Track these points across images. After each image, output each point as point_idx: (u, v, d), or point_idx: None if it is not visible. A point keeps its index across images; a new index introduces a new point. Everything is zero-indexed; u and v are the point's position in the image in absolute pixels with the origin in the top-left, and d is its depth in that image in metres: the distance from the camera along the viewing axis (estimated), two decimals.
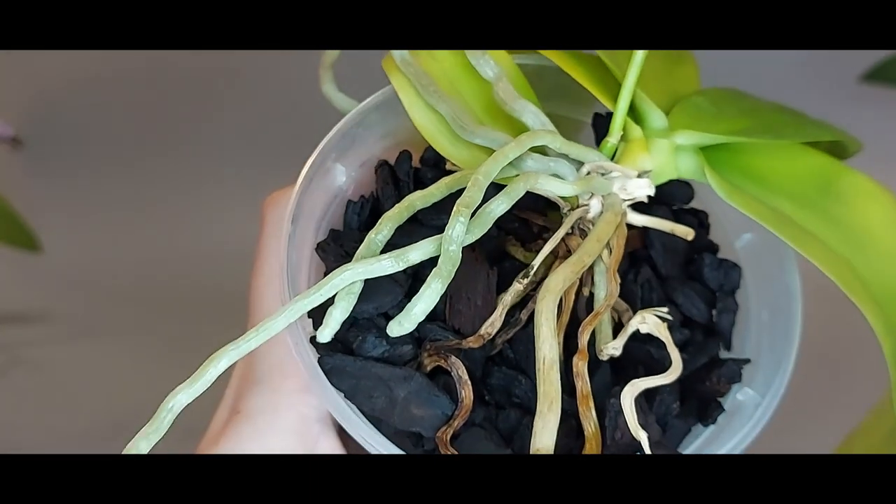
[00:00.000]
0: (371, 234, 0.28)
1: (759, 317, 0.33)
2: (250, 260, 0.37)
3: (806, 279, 0.34)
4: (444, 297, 0.29)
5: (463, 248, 0.27)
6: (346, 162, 0.34)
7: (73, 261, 0.72)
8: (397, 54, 0.32)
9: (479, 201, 0.27)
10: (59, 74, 0.74)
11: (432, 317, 0.29)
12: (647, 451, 0.28)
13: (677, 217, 0.34)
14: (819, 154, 0.33)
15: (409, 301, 0.27)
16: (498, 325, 0.29)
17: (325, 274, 0.28)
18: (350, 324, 0.29)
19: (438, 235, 0.27)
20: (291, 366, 0.32)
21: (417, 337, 0.29)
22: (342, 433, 0.33)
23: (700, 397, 0.31)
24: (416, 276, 0.30)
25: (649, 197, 0.31)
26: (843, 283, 0.29)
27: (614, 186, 0.30)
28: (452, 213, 0.27)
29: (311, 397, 0.32)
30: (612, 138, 0.31)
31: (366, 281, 0.28)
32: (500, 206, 0.28)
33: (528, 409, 0.29)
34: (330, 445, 0.32)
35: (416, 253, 0.27)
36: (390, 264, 0.27)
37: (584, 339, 0.29)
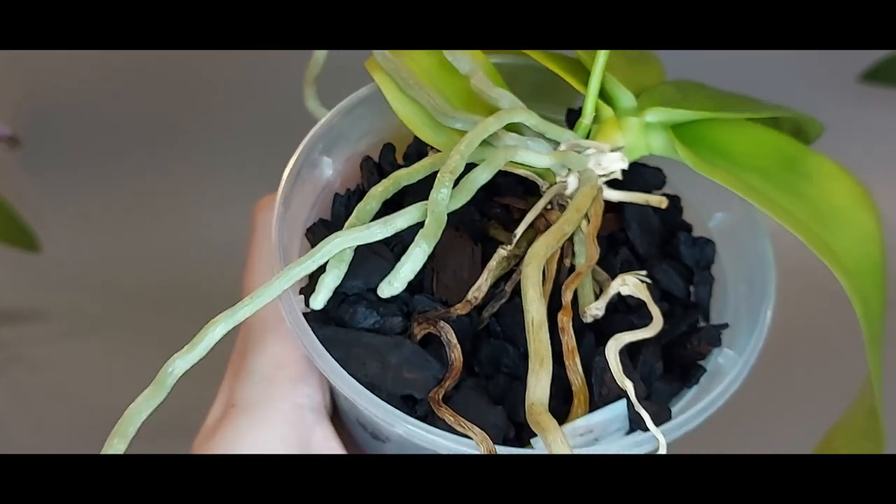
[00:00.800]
0: (360, 206, 0.30)
1: (735, 288, 0.35)
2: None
3: (789, 276, 0.34)
4: (431, 272, 0.31)
5: (447, 228, 0.29)
6: (332, 156, 0.35)
7: (71, 260, 0.72)
8: (378, 54, 0.33)
9: (462, 169, 0.29)
10: (59, 74, 0.74)
11: (419, 290, 0.31)
12: (634, 401, 0.28)
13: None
14: (783, 136, 0.35)
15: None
16: (484, 289, 0.30)
17: None
18: (340, 300, 0.30)
19: (424, 202, 0.28)
20: (285, 357, 0.33)
21: (406, 311, 0.31)
22: (335, 422, 0.34)
23: (682, 362, 0.33)
24: (402, 255, 0.30)
25: (623, 173, 0.32)
26: (815, 247, 0.31)
27: (590, 163, 0.32)
28: (437, 179, 0.28)
29: (305, 387, 0.33)
30: (585, 119, 0.33)
31: (354, 257, 0.29)
32: (483, 174, 0.29)
33: (518, 376, 0.30)
34: (323, 433, 0.33)
35: (403, 219, 0.28)
36: (379, 230, 0.28)
37: (567, 297, 0.30)
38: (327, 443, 0.33)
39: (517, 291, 0.29)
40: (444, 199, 0.28)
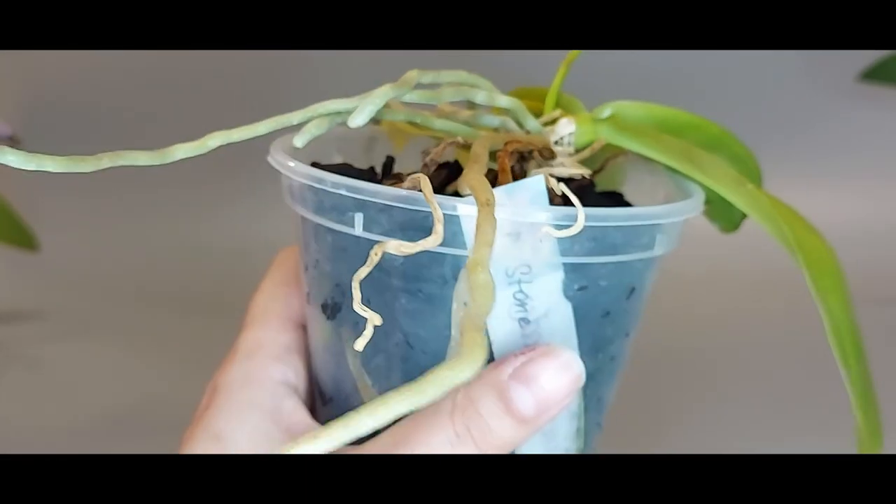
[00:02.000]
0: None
1: None
2: (247, 259, 0.38)
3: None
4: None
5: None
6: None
7: (70, 259, 0.72)
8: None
9: (427, 81, 0.34)
10: (59, 74, 0.74)
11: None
12: (553, 182, 0.31)
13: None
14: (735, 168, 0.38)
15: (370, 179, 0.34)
16: (440, 152, 0.34)
17: None
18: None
19: (395, 84, 0.33)
20: (266, 340, 0.36)
21: None
22: (309, 400, 0.37)
23: None
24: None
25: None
26: (771, 229, 0.33)
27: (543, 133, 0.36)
28: (404, 75, 0.33)
29: (282, 366, 0.35)
30: (545, 118, 0.37)
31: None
32: (447, 91, 0.35)
33: None
34: (294, 405, 0.35)
35: (378, 96, 0.33)
36: (359, 101, 0.33)
37: (508, 148, 0.34)
38: (297, 413, 0.35)
39: None
40: (410, 82, 0.33)
